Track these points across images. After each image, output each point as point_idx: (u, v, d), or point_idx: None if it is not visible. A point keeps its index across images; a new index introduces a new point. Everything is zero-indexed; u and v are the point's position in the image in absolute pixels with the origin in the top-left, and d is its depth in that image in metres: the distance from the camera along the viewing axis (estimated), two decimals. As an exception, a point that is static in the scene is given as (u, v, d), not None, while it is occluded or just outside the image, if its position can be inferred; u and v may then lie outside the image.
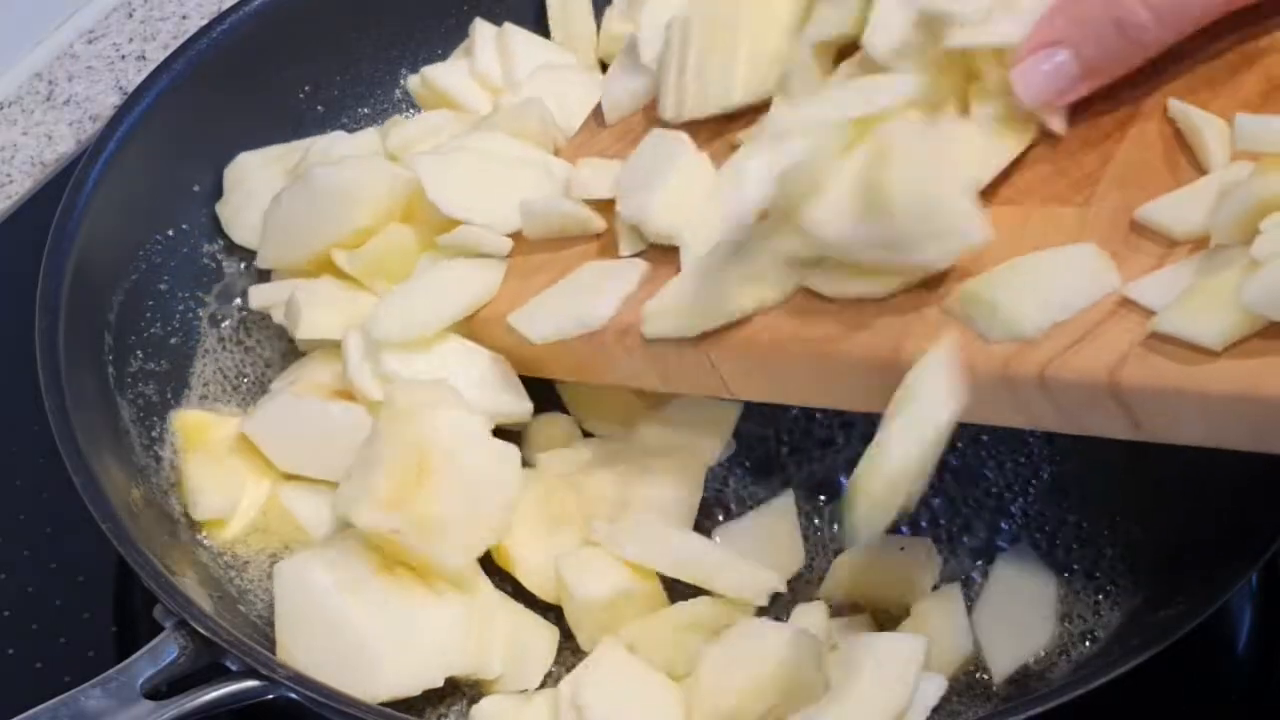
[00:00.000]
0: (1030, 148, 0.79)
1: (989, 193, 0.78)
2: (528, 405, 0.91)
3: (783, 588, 0.87)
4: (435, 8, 1.07)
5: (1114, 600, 0.86)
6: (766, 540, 0.90)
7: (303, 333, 0.93)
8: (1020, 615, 0.86)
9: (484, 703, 0.83)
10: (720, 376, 0.82)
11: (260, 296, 0.97)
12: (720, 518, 0.91)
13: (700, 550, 0.87)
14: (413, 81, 1.07)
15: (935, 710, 0.81)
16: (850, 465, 0.91)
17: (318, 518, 0.90)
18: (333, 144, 1.00)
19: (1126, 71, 0.76)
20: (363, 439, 0.86)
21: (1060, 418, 0.72)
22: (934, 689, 0.81)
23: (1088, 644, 0.85)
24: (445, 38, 1.08)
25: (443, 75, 1.05)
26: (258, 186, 1.00)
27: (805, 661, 0.80)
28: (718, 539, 0.90)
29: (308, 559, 0.84)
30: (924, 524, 0.90)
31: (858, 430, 0.93)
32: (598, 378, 0.88)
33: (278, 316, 0.95)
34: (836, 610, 0.86)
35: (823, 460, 0.93)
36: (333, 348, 0.92)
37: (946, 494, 0.91)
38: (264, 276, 0.99)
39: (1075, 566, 0.88)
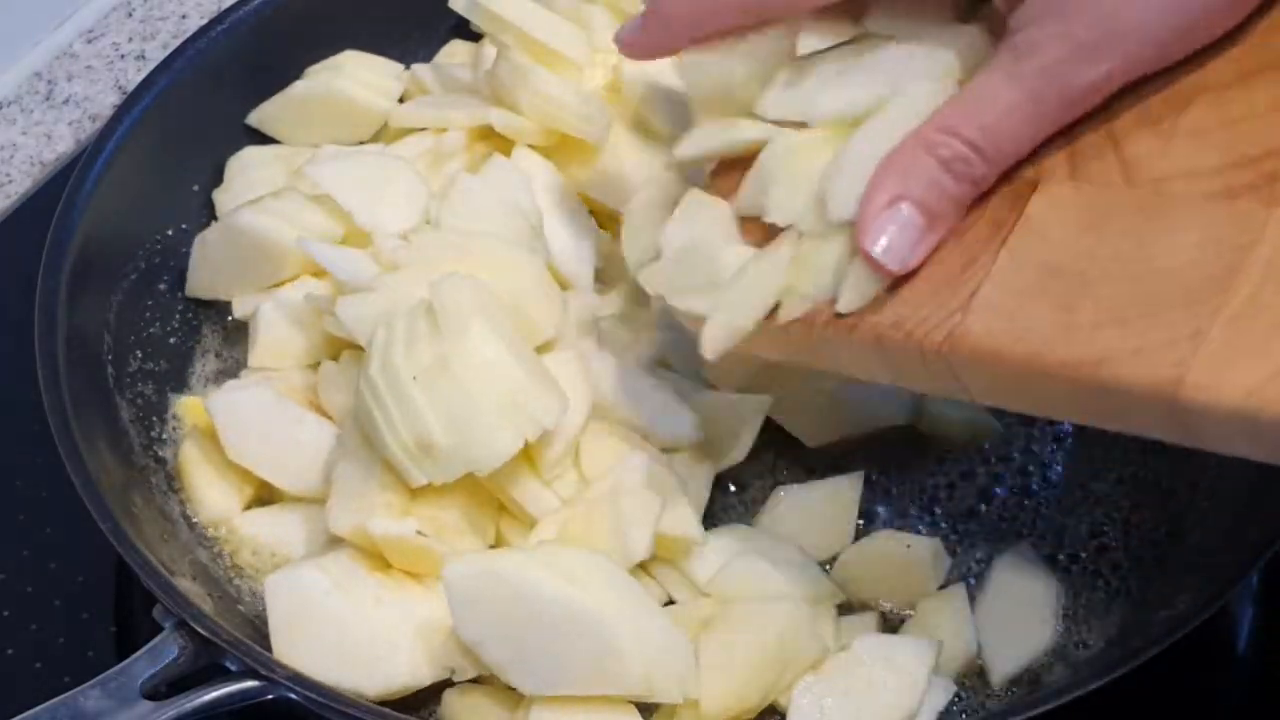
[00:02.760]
0: None
1: None
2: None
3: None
4: (432, 9, 1.07)
5: (1114, 601, 0.86)
6: (820, 513, 0.89)
7: (254, 360, 0.93)
8: (1021, 616, 0.85)
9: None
10: (963, 384, 0.73)
11: (244, 307, 0.96)
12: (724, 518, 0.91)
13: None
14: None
15: (939, 712, 0.81)
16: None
17: (295, 536, 0.89)
18: (338, 152, 0.99)
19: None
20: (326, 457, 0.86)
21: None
22: (942, 693, 0.82)
23: (1088, 645, 0.85)
24: (442, 39, 1.08)
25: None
26: (259, 180, 1.00)
27: (803, 630, 0.81)
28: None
29: (300, 566, 0.83)
30: (928, 525, 0.90)
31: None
32: (816, 364, 0.80)
33: None
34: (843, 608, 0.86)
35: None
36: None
37: (951, 495, 0.91)
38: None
39: (1076, 567, 0.88)
